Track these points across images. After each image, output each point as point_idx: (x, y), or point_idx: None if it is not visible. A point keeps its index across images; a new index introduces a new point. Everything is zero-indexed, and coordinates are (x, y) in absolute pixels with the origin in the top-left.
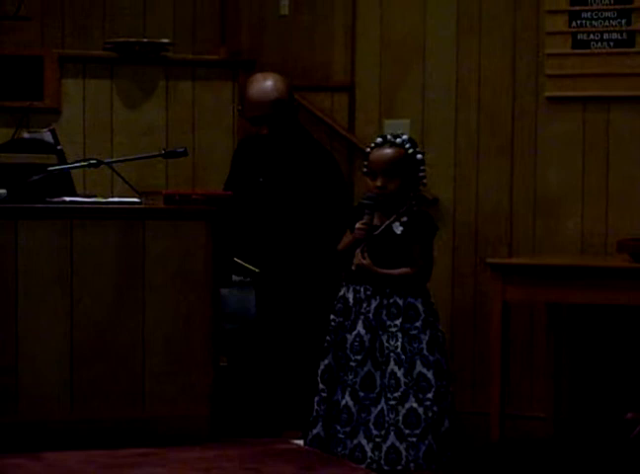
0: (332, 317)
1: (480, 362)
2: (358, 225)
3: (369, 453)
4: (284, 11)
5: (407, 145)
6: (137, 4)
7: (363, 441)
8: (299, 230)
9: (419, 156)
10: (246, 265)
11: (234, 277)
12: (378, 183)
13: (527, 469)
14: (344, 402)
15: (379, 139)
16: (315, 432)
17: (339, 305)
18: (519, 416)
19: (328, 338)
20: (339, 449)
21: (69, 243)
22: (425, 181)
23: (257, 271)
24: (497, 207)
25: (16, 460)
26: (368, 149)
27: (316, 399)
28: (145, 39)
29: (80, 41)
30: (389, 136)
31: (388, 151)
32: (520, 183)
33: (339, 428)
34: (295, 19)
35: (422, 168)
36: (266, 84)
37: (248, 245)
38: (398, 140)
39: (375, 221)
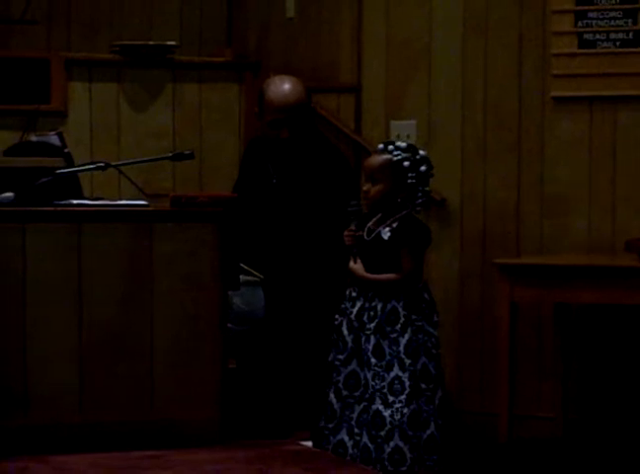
0: (336, 316)
1: (488, 363)
2: (345, 233)
3: (350, 450)
4: (290, 13)
5: (395, 152)
6: (144, 7)
7: (345, 438)
8: (311, 232)
9: (405, 163)
10: (251, 270)
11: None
12: (364, 188)
13: (536, 470)
14: (329, 399)
15: (380, 146)
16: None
17: (342, 306)
18: (527, 416)
19: (333, 336)
20: (323, 444)
21: (77, 246)
22: (427, 188)
23: (261, 277)
24: (504, 207)
25: (22, 463)
26: None
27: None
28: (152, 42)
29: (87, 45)
30: (390, 144)
31: (375, 158)
32: (527, 183)
33: (323, 424)
34: (301, 21)
35: (410, 175)
36: (285, 87)
37: (259, 246)
38: (390, 147)
39: (372, 225)
